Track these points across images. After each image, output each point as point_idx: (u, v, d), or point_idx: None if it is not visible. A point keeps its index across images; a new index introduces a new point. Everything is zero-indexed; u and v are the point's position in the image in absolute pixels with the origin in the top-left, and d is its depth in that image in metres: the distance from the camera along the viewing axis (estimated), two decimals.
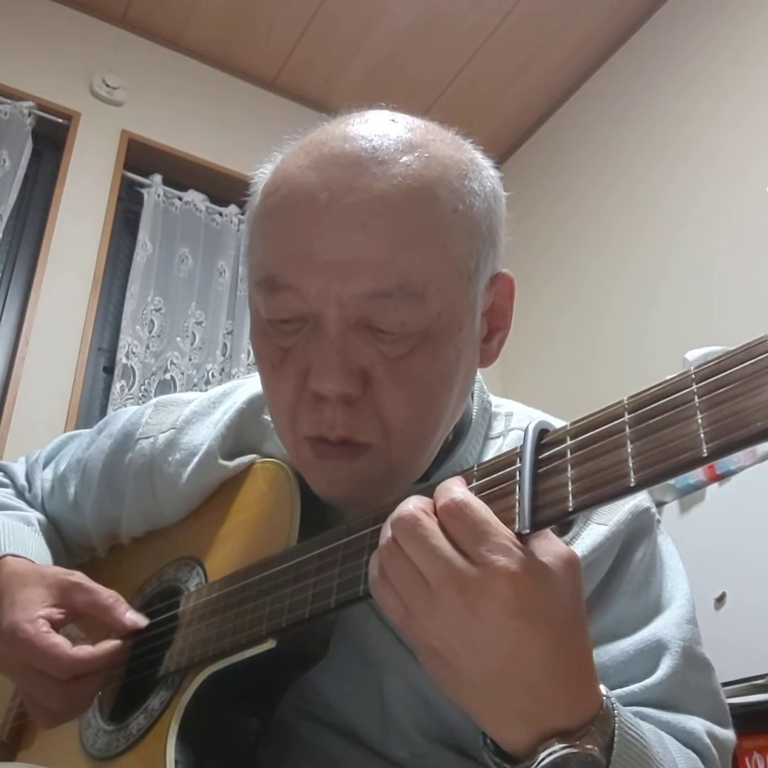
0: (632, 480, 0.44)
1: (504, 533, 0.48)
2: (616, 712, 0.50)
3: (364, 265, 0.60)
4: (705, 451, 0.41)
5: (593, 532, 0.68)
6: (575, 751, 0.47)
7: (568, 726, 0.48)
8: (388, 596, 0.50)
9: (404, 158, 0.62)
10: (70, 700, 0.69)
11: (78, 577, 0.74)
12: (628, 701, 0.65)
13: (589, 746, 0.48)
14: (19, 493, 0.95)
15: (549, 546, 0.49)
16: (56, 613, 0.71)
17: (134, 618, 0.71)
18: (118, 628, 0.71)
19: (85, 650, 0.68)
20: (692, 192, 2.54)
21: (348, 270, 0.60)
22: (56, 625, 0.70)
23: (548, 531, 0.50)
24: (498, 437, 0.75)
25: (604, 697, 0.50)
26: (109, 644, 0.70)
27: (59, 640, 0.68)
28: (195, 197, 2.87)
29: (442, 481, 0.52)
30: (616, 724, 0.50)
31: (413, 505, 0.50)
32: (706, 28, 2.66)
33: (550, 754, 0.47)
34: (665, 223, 2.61)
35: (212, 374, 2.67)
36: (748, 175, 2.36)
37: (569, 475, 0.48)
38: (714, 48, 2.61)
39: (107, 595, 0.72)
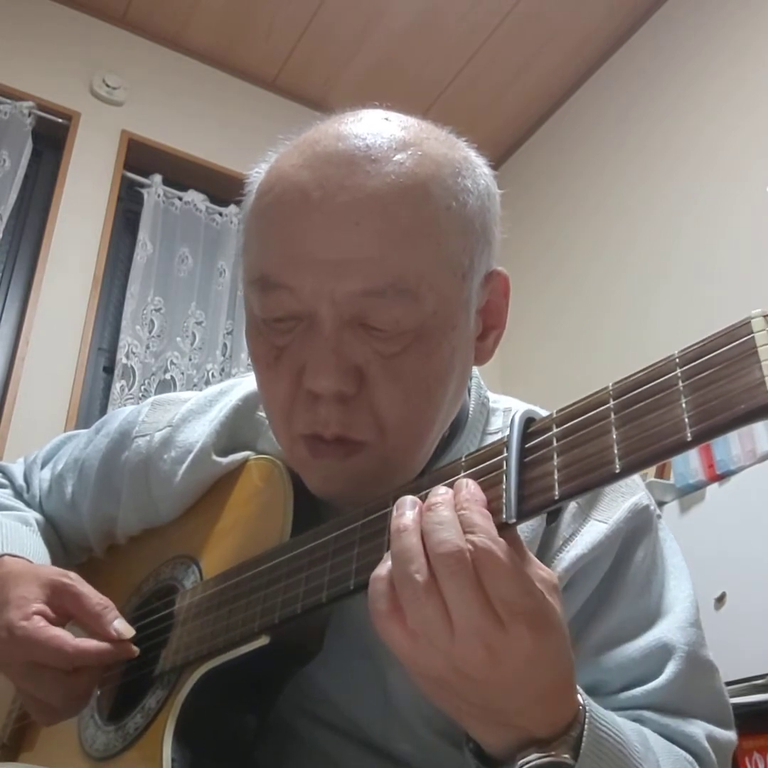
0: (617, 466, 0.44)
1: (528, 584, 0.47)
2: (587, 714, 0.51)
3: (357, 264, 0.60)
4: (689, 435, 0.41)
5: (593, 529, 0.68)
6: (550, 759, 0.49)
7: (546, 736, 0.50)
8: (395, 628, 0.48)
9: (397, 156, 0.62)
10: (70, 695, 0.69)
11: (71, 578, 0.73)
12: (631, 704, 0.65)
13: (565, 755, 0.50)
14: (18, 494, 0.95)
15: (542, 574, 0.49)
16: (49, 612, 0.70)
17: (120, 628, 0.69)
18: (104, 637, 0.69)
19: (87, 641, 0.68)
20: (692, 192, 2.54)
21: (341, 268, 0.60)
22: (51, 623, 0.69)
23: (530, 555, 0.50)
24: (496, 433, 0.75)
25: (580, 707, 0.52)
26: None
27: (59, 632, 0.68)
28: (195, 197, 2.87)
29: (469, 510, 0.49)
30: (586, 722, 0.51)
31: (457, 535, 0.47)
32: (706, 28, 2.66)
33: (528, 762, 0.49)
34: (665, 223, 2.61)
35: (212, 374, 2.67)
36: (748, 175, 2.36)
37: (555, 463, 0.47)
38: (714, 48, 2.61)
39: (96, 601, 0.71)
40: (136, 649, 0.70)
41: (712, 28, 2.64)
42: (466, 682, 0.48)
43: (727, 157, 2.45)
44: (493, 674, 0.47)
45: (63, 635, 0.68)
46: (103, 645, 0.68)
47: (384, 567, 0.50)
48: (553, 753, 0.49)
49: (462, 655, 0.47)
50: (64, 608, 0.71)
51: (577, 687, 0.52)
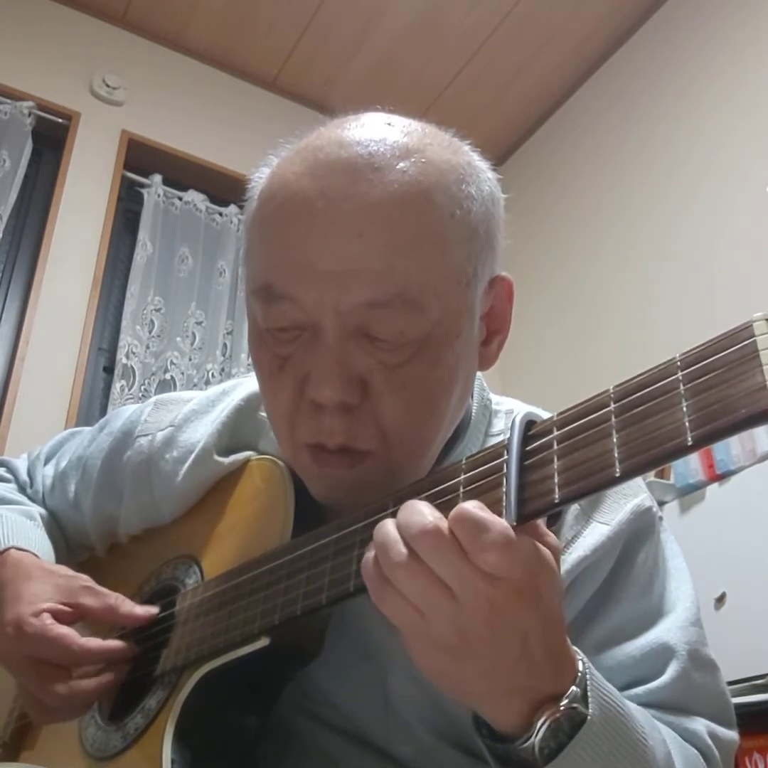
0: (617, 470, 0.44)
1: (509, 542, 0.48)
2: (588, 670, 0.52)
3: (361, 275, 0.59)
4: (690, 439, 0.41)
5: (595, 531, 0.68)
6: (567, 711, 0.50)
7: (556, 691, 0.50)
8: (398, 607, 0.49)
9: (401, 164, 0.61)
10: (69, 697, 0.69)
11: (85, 580, 0.74)
12: (633, 703, 0.65)
13: (574, 705, 0.50)
14: (21, 489, 0.95)
15: (543, 537, 0.50)
16: (61, 610, 0.71)
17: (144, 609, 0.72)
18: (132, 621, 0.72)
19: (94, 641, 0.69)
20: (692, 192, 2.54)
21: (345, 279, 0.59)
22: (61, 622, 0.70)
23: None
24: (498, 434, 0.75)
25: (580, 660, 0.53)
26: (117, 642, 0.71)
27: (67, 631, 0.69)
28: (195, 197, 2.87)
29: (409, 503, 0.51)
30: (588, 680, 0.52)
31: (433, 516, 0.49)
32: (706, 28, 2.66)
33: (546, 720, 0.50)
34: (665, 223, 2.61)
35: (212, 374, 2.67)
36: (748, 175, 2.36)
37: (555, 466, 0.47)
38: (714, 48, 2.61)
39: (115, 596, 0.73)
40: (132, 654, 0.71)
41: (712, 28, 2.64)
42: (477, 645, 0.48)
43: (727, 157, 2.46)
44: (500, 628, 0.48)
45: (71, 634, 0.69)
46: (107, 644, 0.69)
47: (370, 554, 0.51)
48: (566, 703, 0.50)
49: (467, 616, 0.48)
50: (79, 607, 0.72)
51: (574, 648, 0.53)
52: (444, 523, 0.48)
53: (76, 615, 0.72)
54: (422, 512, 0.49)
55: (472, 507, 0.48)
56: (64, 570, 0.76)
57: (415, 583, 0.48)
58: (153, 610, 0.72)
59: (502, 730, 0.52)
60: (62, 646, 0.68)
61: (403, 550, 0.48)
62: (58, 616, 0.70)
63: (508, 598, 0.47)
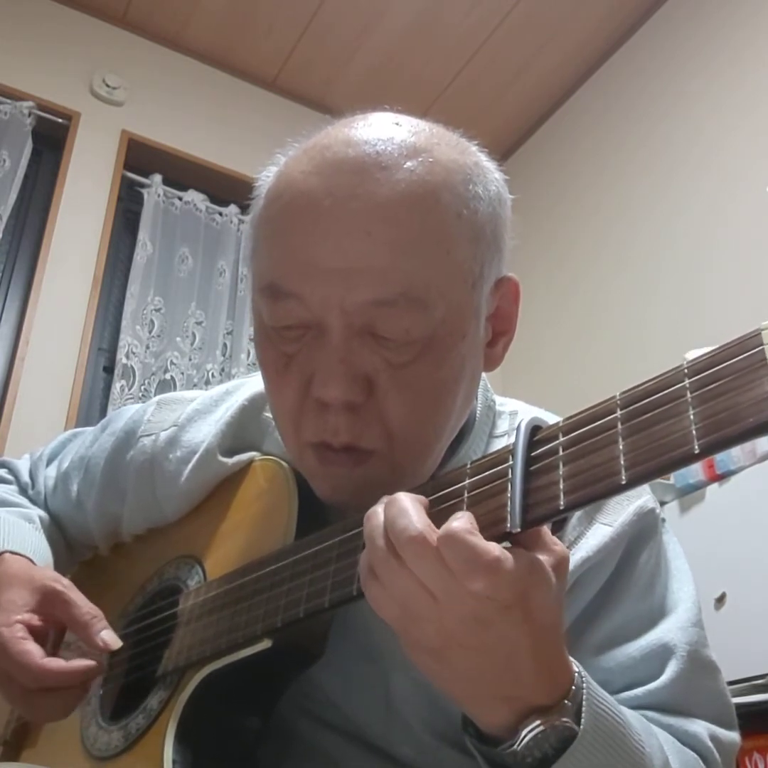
0: (623, 477, 0.44)
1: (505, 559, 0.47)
2: (584, 684, 0.52)
3: (367, 273, 0.59)
4: (696, 447, 0.41)
5: (598, 532, 0.67)
6: (554, 724, 0.50)
7: (546, 703, 0.50)
8: (380, 600, 0.50)
9: (408, 163, 0.61)
10: (36, 710, 0.68)
11: (63, 585, 0.72)
12: (633, 704, 0.64)
13: (564, 719, 0.50)
14: (22, 490, 0.95)
15: (548, 544, 0.50)
16: (36, 620, 0.70)
17: (107, 639, 0.68)
18: (91, 647, 0.68)
19: (55, 662, 0.67)
20: (692, 192, 2.55)
21: (351, 278, 0.59)
22: (35, 632, 0.69)
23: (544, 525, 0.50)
24: (503, 436, 0.75)
25: (576, 673, 0.52)
26: (82, 663, 0.67)
27: (31, 648, 0.67)
28: (195, 197, 2.87)
29: (394, 500, 0.51)
30: (584, 695, 0.51)
31: (421, 523, 0.48)
32: (706, 27, 2.66)
33: (531, 730, 0.49)
34: (665, 223, 2.61)
35: (212, 374, 2.67)
36: (748, 175, 2.36)
37: (561, 472, 0.47)
38: (714, 48, 2.62)
39: (85, 610, 0.70)
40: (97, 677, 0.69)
41: (712, 28, 2.64)
42: (460, 651, 0.48)
43: (727, 157, 2.46)
44: (486, 639, 0.48)
45: (33, 651, 0.66)
46: (70, 666, 0.67)
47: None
48: (555, 718, 0.50)
49: (451, 622, 0.47)
50: (53, 615, 0.71)
51: (571, 659, 0.53)
52: (431, 534, 0.48)
53: (49, 624, 0.71)
54: (409, 515, 0.49)
55: (462, 530, 0.47)
56: (46, 575, 0.74)
57: (396, 582, 0.48)
58: (115, 644, 0.68)
59: (487, 732, 0.52)
60: (21, 663, 0.66)
61: (387, 546, 0.49)
62: (31, 626, 0.69)
63: (495, 614, 0.47)
